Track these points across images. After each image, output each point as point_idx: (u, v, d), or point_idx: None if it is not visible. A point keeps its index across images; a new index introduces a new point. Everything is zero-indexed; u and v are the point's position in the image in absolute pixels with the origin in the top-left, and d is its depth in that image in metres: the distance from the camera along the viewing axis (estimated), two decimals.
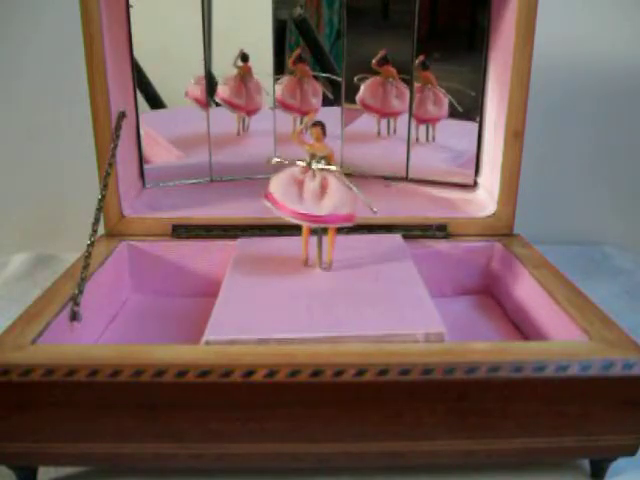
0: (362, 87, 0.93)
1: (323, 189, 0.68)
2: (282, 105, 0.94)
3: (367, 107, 0.94)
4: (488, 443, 0.55)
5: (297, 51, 0.92)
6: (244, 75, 0.91)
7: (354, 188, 0.68)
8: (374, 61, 0.91)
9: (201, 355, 0.53)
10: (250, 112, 0.94)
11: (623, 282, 1.00)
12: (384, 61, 0.91)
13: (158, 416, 0.53)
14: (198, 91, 0.89)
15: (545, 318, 0.67)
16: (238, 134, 0.94)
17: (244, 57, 0.91)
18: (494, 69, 0.83)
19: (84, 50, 0.74)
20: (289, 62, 0.93)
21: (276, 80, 0.92)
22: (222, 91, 0.91)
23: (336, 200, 0.67)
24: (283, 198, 0.68)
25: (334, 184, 0.68)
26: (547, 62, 0.90)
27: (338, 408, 0.53)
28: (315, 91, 0.94)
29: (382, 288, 0.67)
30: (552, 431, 0.55)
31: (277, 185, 0.69)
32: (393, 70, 0.91)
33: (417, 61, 0.88)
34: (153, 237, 0.81)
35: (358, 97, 0.93)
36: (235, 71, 0.91)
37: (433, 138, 0.92)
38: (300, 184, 0.69)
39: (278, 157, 0.70)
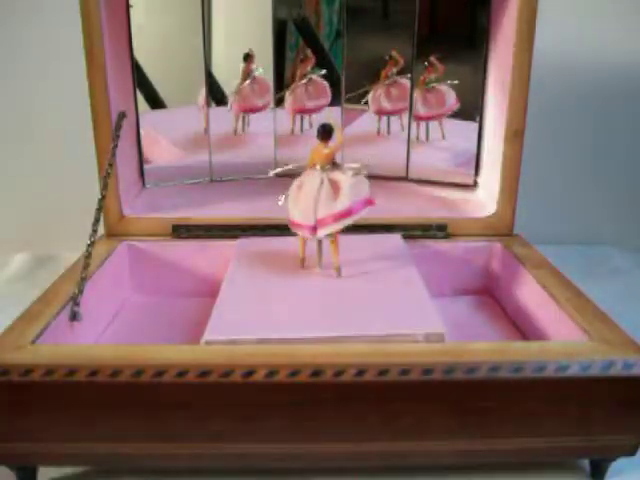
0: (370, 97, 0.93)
1: (335, 190, 0.67)
2: (299, 111, 0.94)
3: (382, 112, 0.94)
4: (488, 443, 0.55)
5: (304, 53, 0.92)
6: (249, 76, 0.91)
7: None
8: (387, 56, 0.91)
9: (201, 355, 0.53)
10: (259, 110, 0.93)
11: (623, 282, 1.00)
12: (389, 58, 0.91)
13: (158, 416, 0.53)
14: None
15: (545, 318, 0.67)
16: (235, 133, 0.94)
17: (246, 57, 0.90)
18: (494, 69, 0.83)
19: (84, 50, 0.74)
20: (297, 61, 0.92)
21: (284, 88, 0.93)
22: (236, 102, 0.91)
23: (347, 190, 0.67)
24: (299, 218, 0.68)
25: (342, 178, 0.68)
26: (547, 62, 0.90)
27: (338, 408, 0.53)
28: (320, 89, 0.94)
29: (382, 288, 0.67)
30: (552, 431, 0.55)
31: (292, 207, 0.69)
32: (394, 68, 0.91)
33: (432, 58, 0.88)
34: (153, 237, 0.81)
35: (372, 107, 0.94)
36: (239, 77, 0.90)
37: (427, 137, 0.93)
38: (308, 191, 0.68)
39: (277, 170, 0.72)
